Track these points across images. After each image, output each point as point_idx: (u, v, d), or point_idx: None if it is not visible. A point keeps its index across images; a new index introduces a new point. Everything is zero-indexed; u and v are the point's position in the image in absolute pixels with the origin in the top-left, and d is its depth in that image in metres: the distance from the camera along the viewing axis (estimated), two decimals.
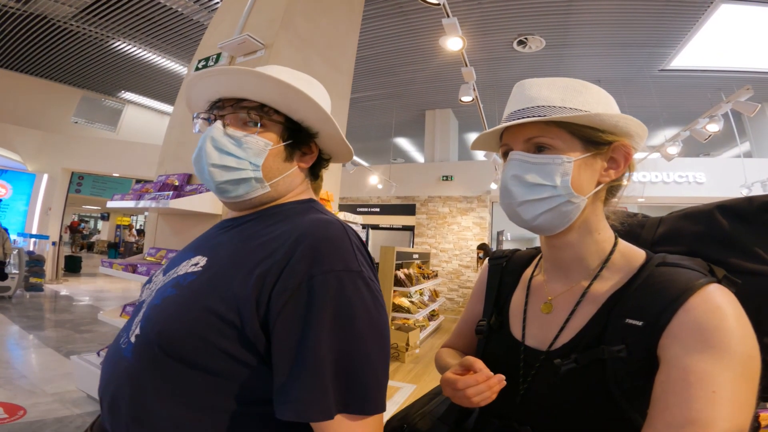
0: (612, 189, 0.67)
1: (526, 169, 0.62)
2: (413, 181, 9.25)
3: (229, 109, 0.71)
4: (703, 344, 0.48)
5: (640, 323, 0.54)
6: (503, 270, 0.82)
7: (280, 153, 0.72)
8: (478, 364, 0.62)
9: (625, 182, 0.67)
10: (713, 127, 4.23)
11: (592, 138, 0.61)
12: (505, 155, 0.68)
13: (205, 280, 0.62)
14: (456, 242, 8.70)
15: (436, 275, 6.77)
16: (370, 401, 0.57)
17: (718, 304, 0.50)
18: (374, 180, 8.58)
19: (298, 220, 0.67)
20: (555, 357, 0.61)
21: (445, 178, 8.88)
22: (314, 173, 0.83)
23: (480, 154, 11.99)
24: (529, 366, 0.65)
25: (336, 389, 0.55)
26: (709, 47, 5.72)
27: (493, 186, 7.94)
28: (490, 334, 0.74)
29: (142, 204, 2.04)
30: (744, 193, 6.50)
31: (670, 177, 7.52)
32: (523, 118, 0.62)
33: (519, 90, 0.66)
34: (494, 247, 9.00)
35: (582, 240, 0.65)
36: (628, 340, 0.54)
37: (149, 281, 0.74)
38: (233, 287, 0.59)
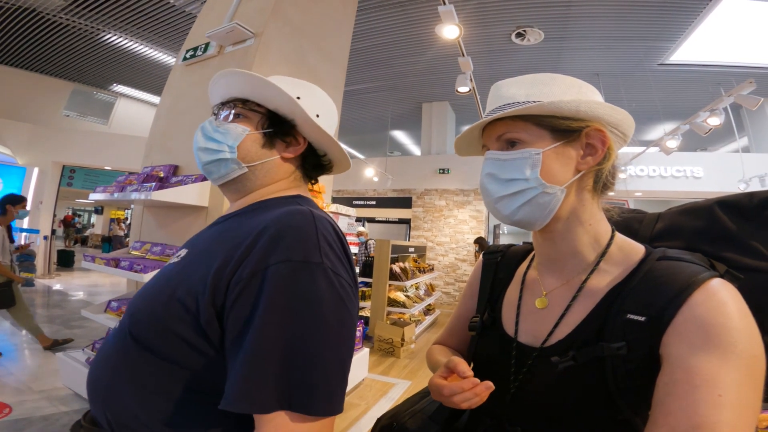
0: (600, 177, 0.63)
1: (499, 166, 0.62)
2: (409, 173, 9.18)
3: (225, 107, 0.81)
4: (709, 343, 0.46)
5: (642, 319, 0.52)
6: (497, 265, 0.81)
7: (258, 139, 0.78)
8: (462, 366, 0.60)
9: (609, 169, 0.64)
10: (714, 121, 4.18)
11: (557, 127, 0.60)
12: None
13: (178, 269, 0.67)
14: (452, 236, 8.65)
15: (432, 269, 6.73)
16: (317, 401, 0.54)
17: (723, 300, 0.49)
18: (370, 172, 8.52)
19: (272, 211, 0.68)
20: (549, 353, 0.59)
21: (441, 171, 8.81)
22: (308, 174, 0.86)
23: None
24: (520, 363, 0.63)
25: (279, 384, 0.53)
26: (709, 41, 5.65)
27: None
28: (482, 331, 0.73)
29: (124, 196, 1.97)
30: (742, 188, 6.48)
31: (668, 171, 7.49)
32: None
33: (493, 91, 0.67)
34: (491, 241, 8.97)
35: (572, 231, 0.63)
36: (629, 336, 0.52)
37: None
38: (196, 276, 0.61)
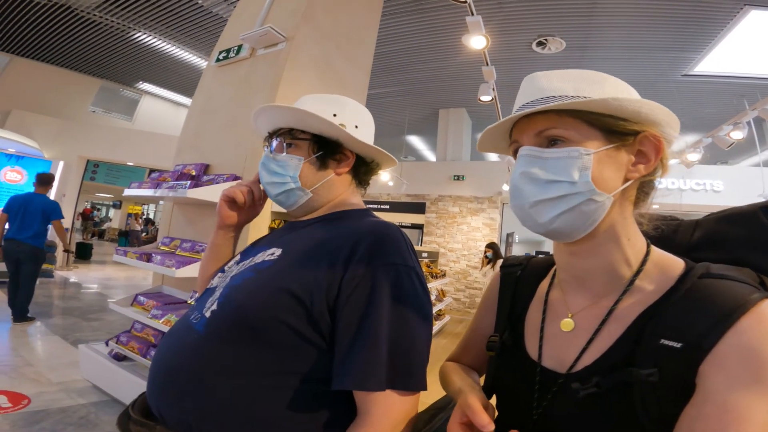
0: (644, 189, 0.58)
1: (538, 165, 0.54)
2: (424, 179, 9.20)
3: (274, 138, 0.87)
4: (752, 378, 0.41)
5: (678, 345, 0.46)
6: (517, 280, 0.74)
7: (313, 164, 0.84)
8: (480, 417, 0.52)
9: (658, 179, 0.58)
10: (737, 135, 4.12)
11: (613, 128, 0.53)
12: (515, 153, 0.61)
13: (281, 266, 0.73)
14: (465, 242, 8.63)
15: (444, 275, 6.72)
16: (414, 379, 0.65)
17: None
18: (385, 177, 8.55)
19: (359, 222, 0.78)
20: (575, 380, 0.54)
21: (456, 177, 8.81)
22: (361, 181, 0.93)
23: (492, 155, 11.91)
24: (545, 390, 0.58)
25: (388, 366, 0.63)
26: (734, 53, 5.57)
27: (505, 187, 7.86)
28: (502, 352, 0.67)
29: (159, 192, 2.04)
30: None
31: (687, 184, 7.38)
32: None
33: (528, 83, 0.60)
34: (503, 249, 8.90)
35: (608, 247, 0.56)
36: (661, 363, 0.46)
37: (222, 270, 0.87)
38: (306, 273, 0.69)
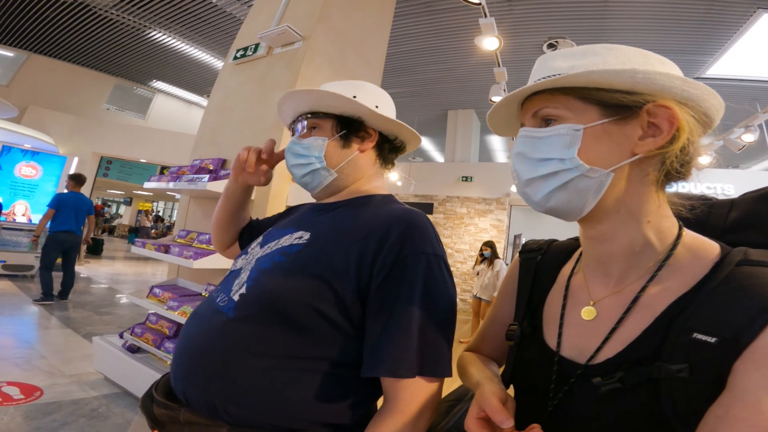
0: (668, 166, 0.52)
1: (531, 144, 0.54)
2: (432, 180, 9.22)
3: (299, 122, 0.90)
4: None
5: (712, 340, 0.42)
6: (537, 265, 0.70)
7: (337, 143, 0.85)
8: (499, 415, 0.49)
9: (677, 155, 0.51)
10: (748, 137, 4.11)
11: (608, 101, 0.50)
12: None
13: (311, 251, 0.74)
14: (472, 243, 8.63)
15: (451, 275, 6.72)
16: (441, 366, 0.66)
17: None
18: (394, 177, 8.59)
19: (386, 208, 0.79)
20: (594, 372, 0.51)
21: (464, 178, 8.82)
22: (386, 159, 0.93)
23: (501, 156, 11.89)
24: (562, 381, 0.55)
25: (418, 353, 0.64)
26: (747, 56, 5.55)
27: (513, 189, 7.86)
28: (522, 341, 0.65)
29: (179, 185, 2.09)
30: None
31: (698, 188, 7.22)
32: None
33: (537, 63, 0.59)
34: (511, 251, 8.90)
35: (624, 229, 0.53)
36: (692, 359, 0.43)
37: (245, 252, 0.89)
38: (336, 259, 0.70)
